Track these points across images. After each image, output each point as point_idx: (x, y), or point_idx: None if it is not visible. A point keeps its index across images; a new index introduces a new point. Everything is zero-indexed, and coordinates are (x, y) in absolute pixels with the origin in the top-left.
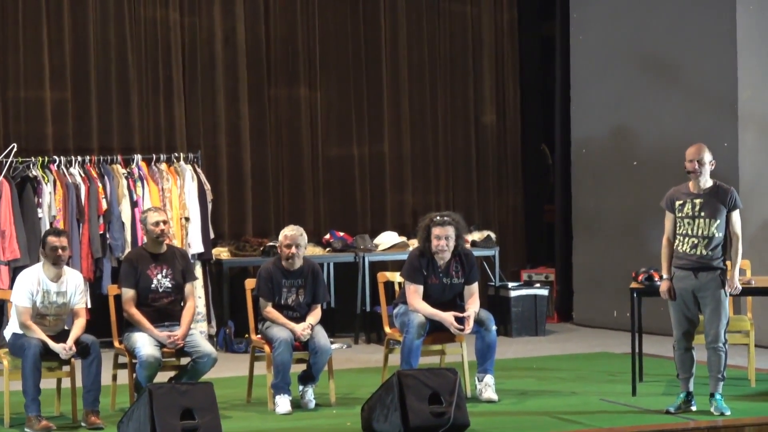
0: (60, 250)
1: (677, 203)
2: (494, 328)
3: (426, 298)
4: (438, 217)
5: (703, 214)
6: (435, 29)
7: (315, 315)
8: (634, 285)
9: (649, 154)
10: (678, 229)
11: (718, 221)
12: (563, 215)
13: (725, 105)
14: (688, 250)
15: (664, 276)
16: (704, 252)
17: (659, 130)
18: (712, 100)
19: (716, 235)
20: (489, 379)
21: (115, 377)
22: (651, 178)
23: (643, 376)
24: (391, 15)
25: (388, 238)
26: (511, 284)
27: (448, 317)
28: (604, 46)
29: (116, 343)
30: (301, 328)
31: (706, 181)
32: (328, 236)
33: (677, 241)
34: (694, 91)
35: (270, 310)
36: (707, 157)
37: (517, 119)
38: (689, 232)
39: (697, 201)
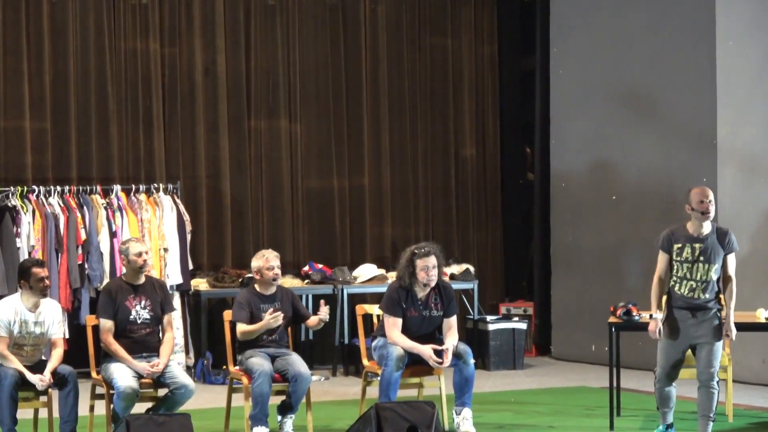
0: (46, 280)
1: (675, 246)
2: (472, 361)
3: (405, 330)
4: (418, 250)
5: (702, 258)
6: (415, 62)
7: (312, 321)
8: (612, 319)
9: (628, 189)
10: (675, 271)
11: (716, 266)
12: (542, 249)
13: (704, 141)
14: (685, 293)
15: (654, 315)
16: (702, 295)
17: (638, 165)
18: (692, 135)
19: (713, 278)
20: (467, 412)
21: (92, 408)
22: (630, 213)
23: (621, 410)
24: (372, 48)
25: (367, 271)
26: (489, 318)
27: (426, 350)
28: (584, 80)
29: (94, 374)
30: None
31: (708, 224)
32: (306, 268)
33: (673, 282)
34: (674, 127)
35: (243, 326)
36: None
37: (497, 152)
38: (687, 275)
39: (697, 246)
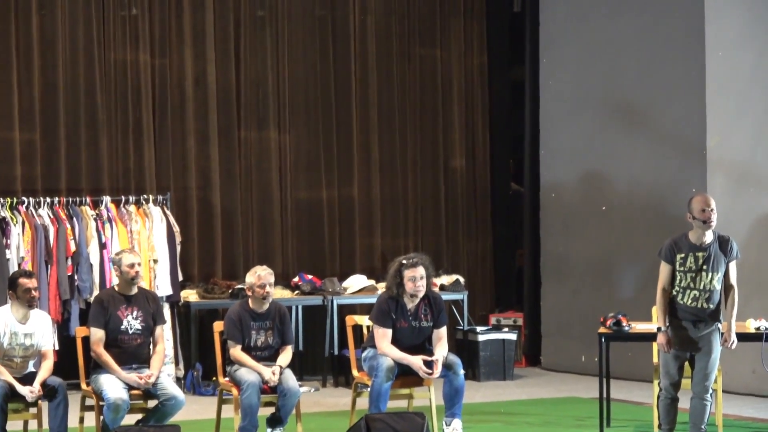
0: (33, 291)
1: (679, 256)
2: (462, 372)
3: (395, 341)
4: (406, 260)
5: (705, 267)
6: (405, 73)
7: (286, 356)
8: (602, 330)
9: (618, 199)
10: (679, 281)
11: (719, 274)
12: (532, 259)
13: (694, 151)
14: (689, 303)
15: (662, 327)
16: (705, 305)
17: (628, 175)
18: (681, 145)
19: (716, 288)
20: (457, 423)
21: (82, 420)
22: (620, 223)
23: (611, 421)
24: (362, 58)
25: (356, 282)
26: (479, 328)
27: (416, 361)
28: (573, 90)
29: (83, 386)
30: (270, 372)
31: (710, 233)
32: (296, 279)
33: (676, 292)
34: (663, 137)
35: (238, 353)
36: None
37: (487, 163)
38: (691, 285)
39: (700, 254)
